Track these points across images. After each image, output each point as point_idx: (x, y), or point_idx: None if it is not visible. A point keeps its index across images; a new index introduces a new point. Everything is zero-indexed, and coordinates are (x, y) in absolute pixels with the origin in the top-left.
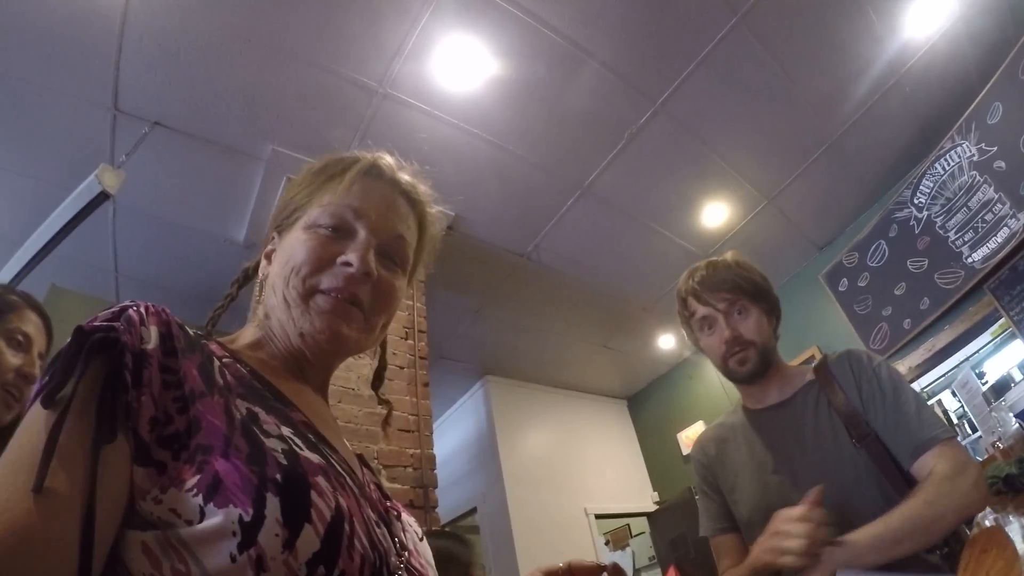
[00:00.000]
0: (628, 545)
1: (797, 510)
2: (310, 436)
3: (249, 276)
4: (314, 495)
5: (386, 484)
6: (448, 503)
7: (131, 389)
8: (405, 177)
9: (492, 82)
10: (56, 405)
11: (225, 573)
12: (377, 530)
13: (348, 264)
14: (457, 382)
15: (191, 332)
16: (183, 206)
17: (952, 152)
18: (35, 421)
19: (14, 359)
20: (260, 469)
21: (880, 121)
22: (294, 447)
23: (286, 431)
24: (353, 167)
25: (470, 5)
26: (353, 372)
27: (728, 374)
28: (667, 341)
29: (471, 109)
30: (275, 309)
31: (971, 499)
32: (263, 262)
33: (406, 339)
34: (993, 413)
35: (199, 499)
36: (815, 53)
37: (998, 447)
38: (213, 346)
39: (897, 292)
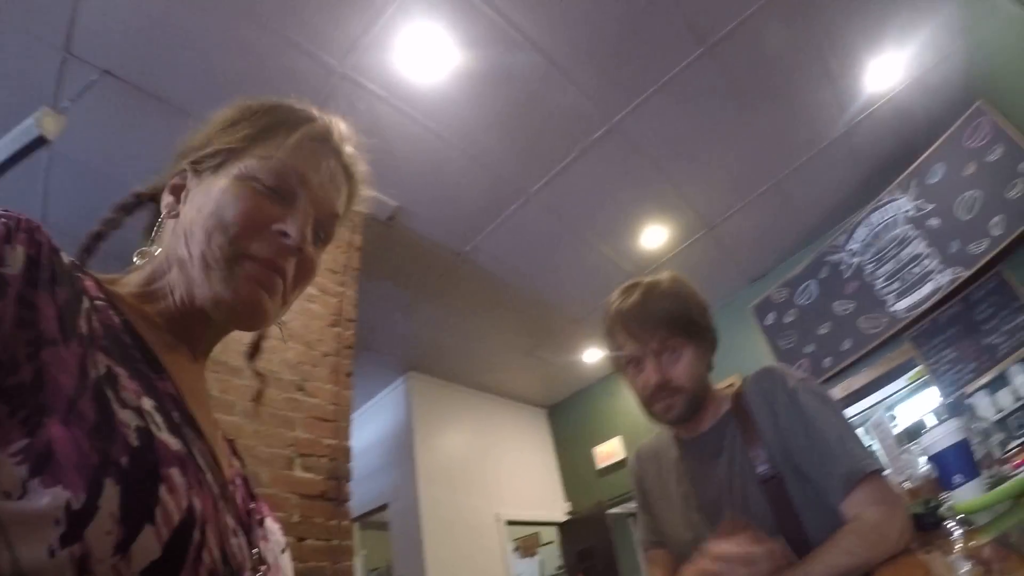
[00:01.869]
0: (536, 553)
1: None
2: (174, 414)
3: (139, 204)
4: (163, 490)
5: (301, 474)
6: (359, 497)
7: None
8: (349, 149)
9: (452, 78)
10: None
11: (39, 571)
12: (233, 540)
13: (285, 235)
14: (379, 375)
15: (65, 261)
16: (122, 163)
17: (890, 205)
18: None
19: None
20: (104, 446)
21: (826, 166)
22: (151, 425)
23: (147, 403)
24: (305, 125)
25: None
26: (276, 355)
27: (651, 417)
28: (592, 355)
29: (428, 102)
30: (183, 262)
31: (897, 546)
32: (167, 196)
33: (333, 327)
34: (904, 454)
35: (23, 469)
36: (773, 93)
37: (907, 486)
38: (88, 282)
39: (821, 331)
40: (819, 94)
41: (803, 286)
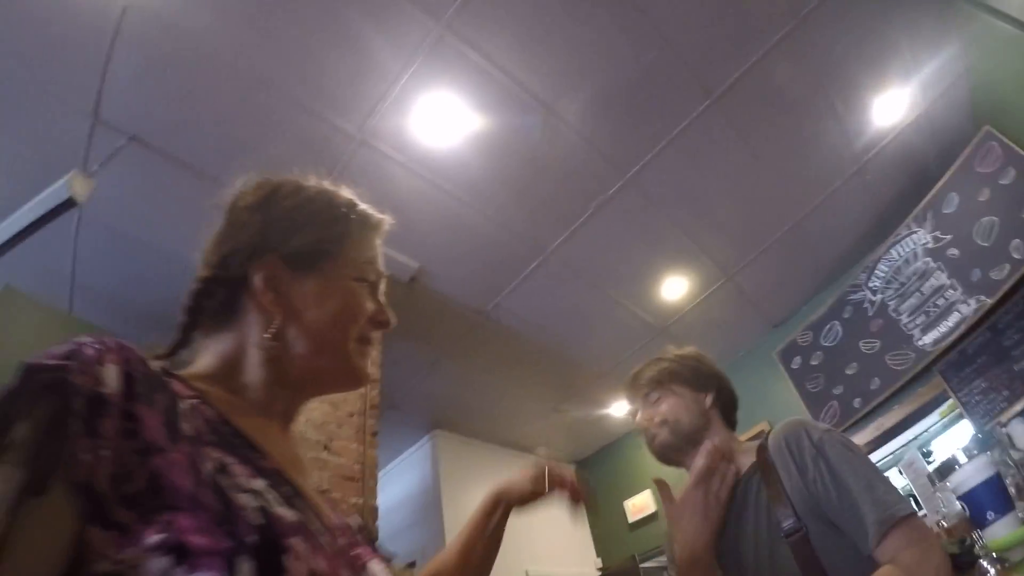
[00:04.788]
0: None
1: None
2: (284, 488)
3: (217, 289)
4: (290, 559)
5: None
6: None
7: (84, 438)
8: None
9: (467, 141)
10: None
11: None
12: None
13: (385, 324)
14: (405, 433)
15: (153, 369)
16: (149, 224)
17: (908, 239)
18: None
19: None
20: (231, 529)
21: (841, 206)
22: (266, 503)
23: (259, 484)
24: (377, 226)
25: (452, 64)
26: (302, 415)
27: (652, 454)
28: (619, 408)
29: (445, 165)
30: (308, 355)
31: None
32: (266, 292)
33: None
34: (938, 493)
35: (165, 561)
36: (782, 138)
37: (942, 526)
38: (176, 384)
39: (849, 372)
40: (828, 135)
41: (827, 327)
